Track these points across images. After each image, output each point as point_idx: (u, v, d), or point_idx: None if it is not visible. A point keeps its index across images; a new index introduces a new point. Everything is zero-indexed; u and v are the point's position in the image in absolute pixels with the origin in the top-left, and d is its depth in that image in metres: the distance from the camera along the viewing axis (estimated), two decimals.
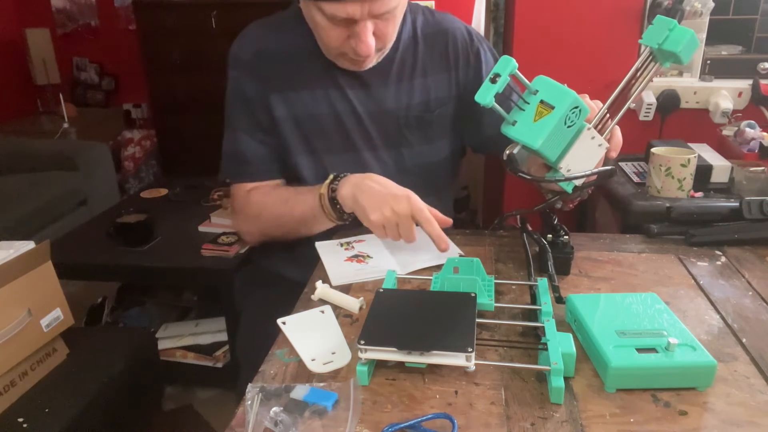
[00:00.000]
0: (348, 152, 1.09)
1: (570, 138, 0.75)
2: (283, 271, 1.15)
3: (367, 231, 1.05)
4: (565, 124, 0.73)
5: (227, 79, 1.09)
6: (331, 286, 0.85)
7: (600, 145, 0.78)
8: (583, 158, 0.78)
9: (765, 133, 1.58)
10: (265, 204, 1.07)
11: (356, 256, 0.94)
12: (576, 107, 0.73)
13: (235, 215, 1.15)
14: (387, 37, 0.97)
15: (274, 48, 1.06)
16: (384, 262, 0.91)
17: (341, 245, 0.98)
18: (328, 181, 0.97)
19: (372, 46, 0.93)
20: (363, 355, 0.64)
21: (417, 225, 0.90)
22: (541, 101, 0.72)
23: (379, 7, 0.89)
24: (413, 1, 1.15)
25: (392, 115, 1.08)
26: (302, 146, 1.08)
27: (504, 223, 1.01)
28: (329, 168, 1.07)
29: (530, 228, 0.95)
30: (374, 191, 0.91)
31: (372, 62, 1.02)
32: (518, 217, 0.97)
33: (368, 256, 0.94)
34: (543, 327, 0.67)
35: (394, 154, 1.10)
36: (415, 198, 0.90)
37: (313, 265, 0.94)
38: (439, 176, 1.17)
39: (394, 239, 0.90)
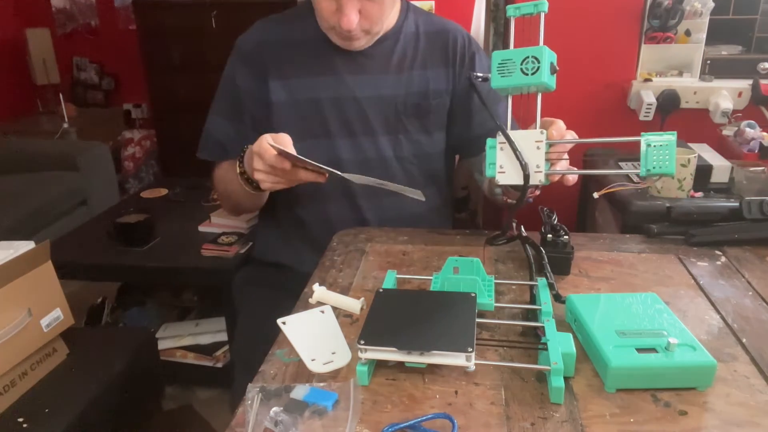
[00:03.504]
0: (346, 137, 1.11)
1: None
2: (280, 257, 1.18)
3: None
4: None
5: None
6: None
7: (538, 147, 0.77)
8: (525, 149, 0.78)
9: (765, 133, 1.57)
10: (218, 178, 1.18)
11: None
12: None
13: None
14: (373, 18, 1.00)
15: (278, 38, 1.10)
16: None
17: None
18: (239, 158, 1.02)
19: (354, 21, 0.97)
20: (363, 355, 0.64)
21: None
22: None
23: None
24: (414, 3, 1.19)
25: (391, 101, 1.11)
26: (300, 131, 1.09)
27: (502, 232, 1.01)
28: (327, 153, 1.10)
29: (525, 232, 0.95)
30: (250, 151, 0.95)
31: (361, 43, 1.05)
32: (514, 223, 0.97)
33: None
34: (543, 327, 0.67)
35: (392, 141, 1.13)
36: (277, 134, 0.91)
37: (308, 249, 0.94)
38: (436, 168, 1.19)
39: (285, 185, 0.93)
